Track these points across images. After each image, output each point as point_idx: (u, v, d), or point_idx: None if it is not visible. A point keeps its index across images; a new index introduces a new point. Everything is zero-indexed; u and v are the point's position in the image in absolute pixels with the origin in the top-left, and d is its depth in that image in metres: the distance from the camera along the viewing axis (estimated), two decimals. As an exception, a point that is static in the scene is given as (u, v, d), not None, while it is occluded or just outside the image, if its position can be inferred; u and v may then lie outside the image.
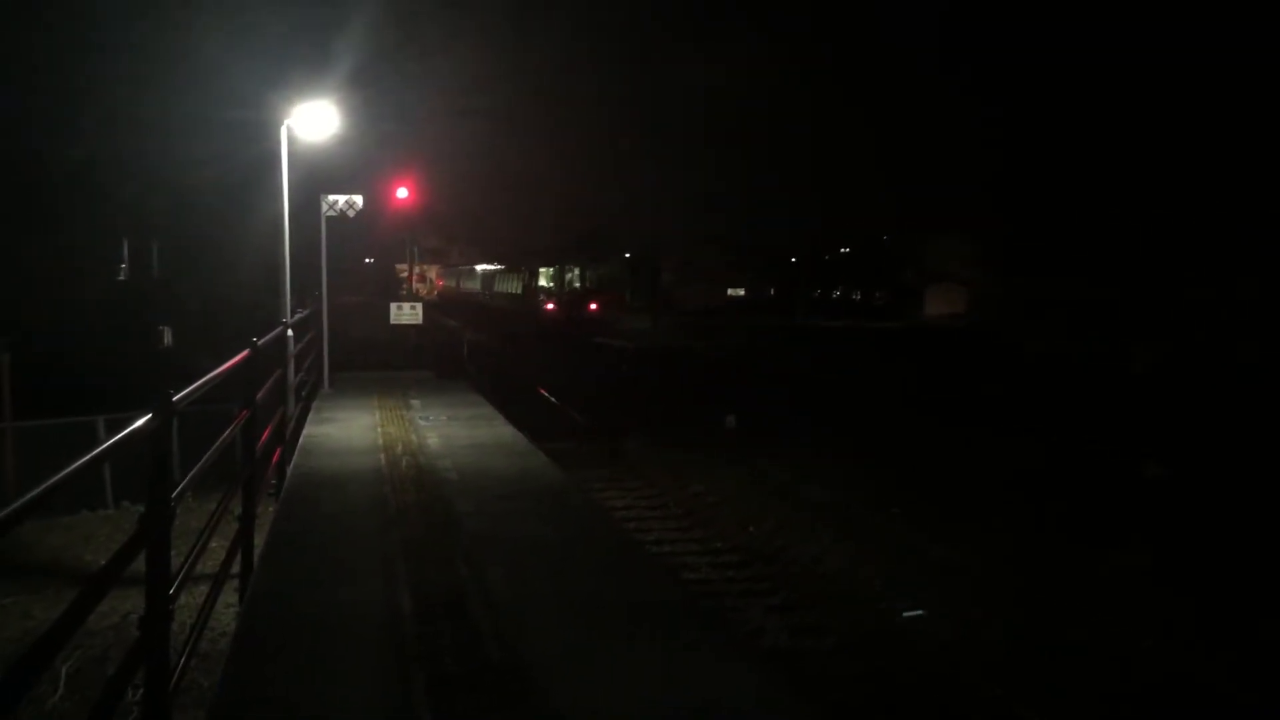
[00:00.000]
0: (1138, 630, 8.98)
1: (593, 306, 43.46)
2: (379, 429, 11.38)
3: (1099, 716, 7.52)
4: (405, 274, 53.18)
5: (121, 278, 28.75)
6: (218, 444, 4.94)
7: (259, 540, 6.46)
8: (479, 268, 65.62)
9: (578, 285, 45.73)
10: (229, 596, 6.78)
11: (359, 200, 15.56)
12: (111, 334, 21.95)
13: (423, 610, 5.04)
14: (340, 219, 15.55)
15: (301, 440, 10.64)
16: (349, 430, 11.32)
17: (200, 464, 4.48)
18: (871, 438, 18.85)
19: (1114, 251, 47.73)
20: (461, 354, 19.20)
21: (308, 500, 7.79)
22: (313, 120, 13.41)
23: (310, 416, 12.38)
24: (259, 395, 6.40)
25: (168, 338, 23.91)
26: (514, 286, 52.08)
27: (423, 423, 11.87)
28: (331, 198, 15.36)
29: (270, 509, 8.39)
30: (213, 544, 4.98)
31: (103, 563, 3.47)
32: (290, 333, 10.95)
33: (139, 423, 3.11)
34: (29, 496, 2.18)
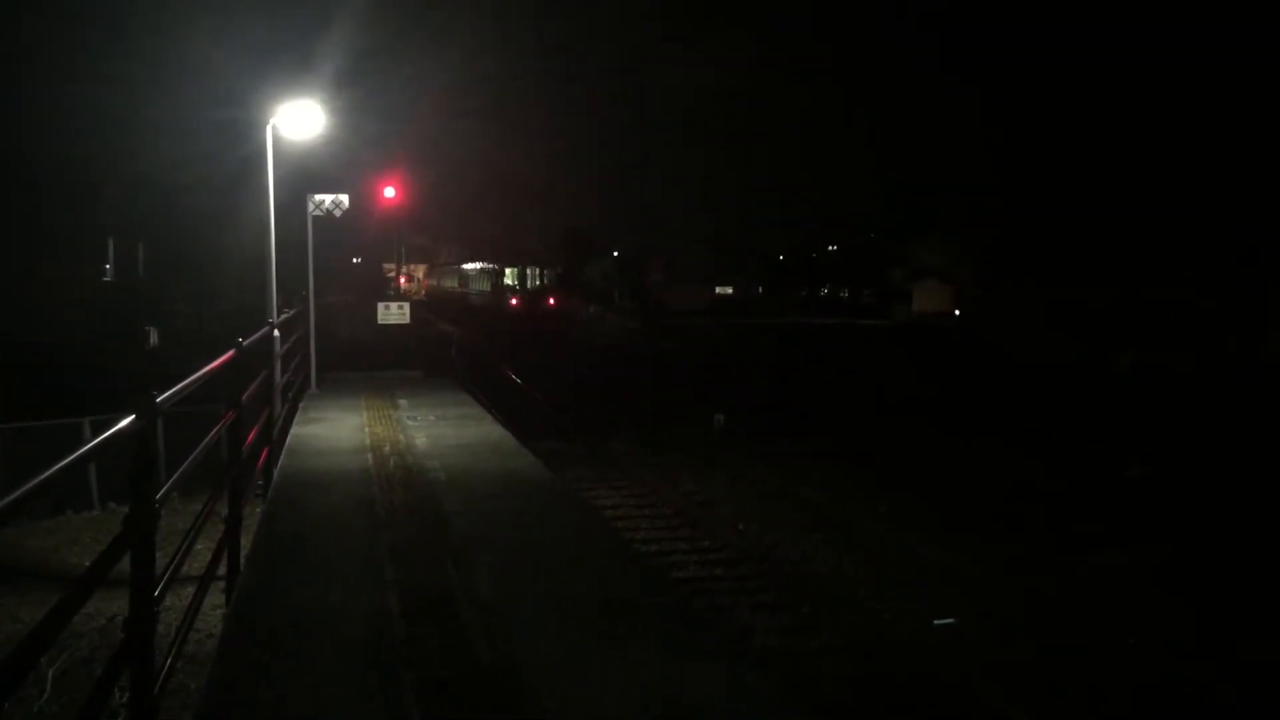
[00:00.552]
0: (1126, 630, 9.01)
1: (551, 301, 50.52)
2: (366, 429, 11.34)
3: (1091, 716, 7.55)
4: (393, 273, 54.12)
5: (107, 278, 28.59)
6: (203, 445, 4.91)
7: (245, 542, 6.43)
8: (466, 266, 69.85)
9: (539, 284, 53.62)
10: (215, 598, 6.75)
11: (345, 200, 15.50)
12: (97, 335, 21.83)
13: (411, 611, 5.02)
14: (327, 219, 15.49)
15: (289, 441, 10.59)
16: (336, 430, 11.28)
17: (186, 465, 4.46)
18: (861, 438, 18.90)
19: (1099, 255, 48.00)
20: (450, 353, 19.15)
21: (295, 501, 7.75)
22: (298, 120, 13.35)
23: (297, 417, 12.33)
24: (245, 396, 6.37)
25: (154, 338, 23.82)
26: (485, 285, 60.24)
27: (410, 423, 11.84)
28: (318, 197, 15.30)
29: (257, 510, 8.36)
30: (199, 545, 4.95)
31: (88, 564, 3.44)
32: (277, 333, 10.90)
33: (123, 423, 3.09)
34: (12, 498, 2.15)
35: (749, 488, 14.72)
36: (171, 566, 3.94)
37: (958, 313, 56.69)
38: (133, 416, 3.14)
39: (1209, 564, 10.90)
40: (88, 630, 8.33)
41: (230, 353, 5.85)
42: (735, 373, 27.87)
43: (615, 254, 77.95)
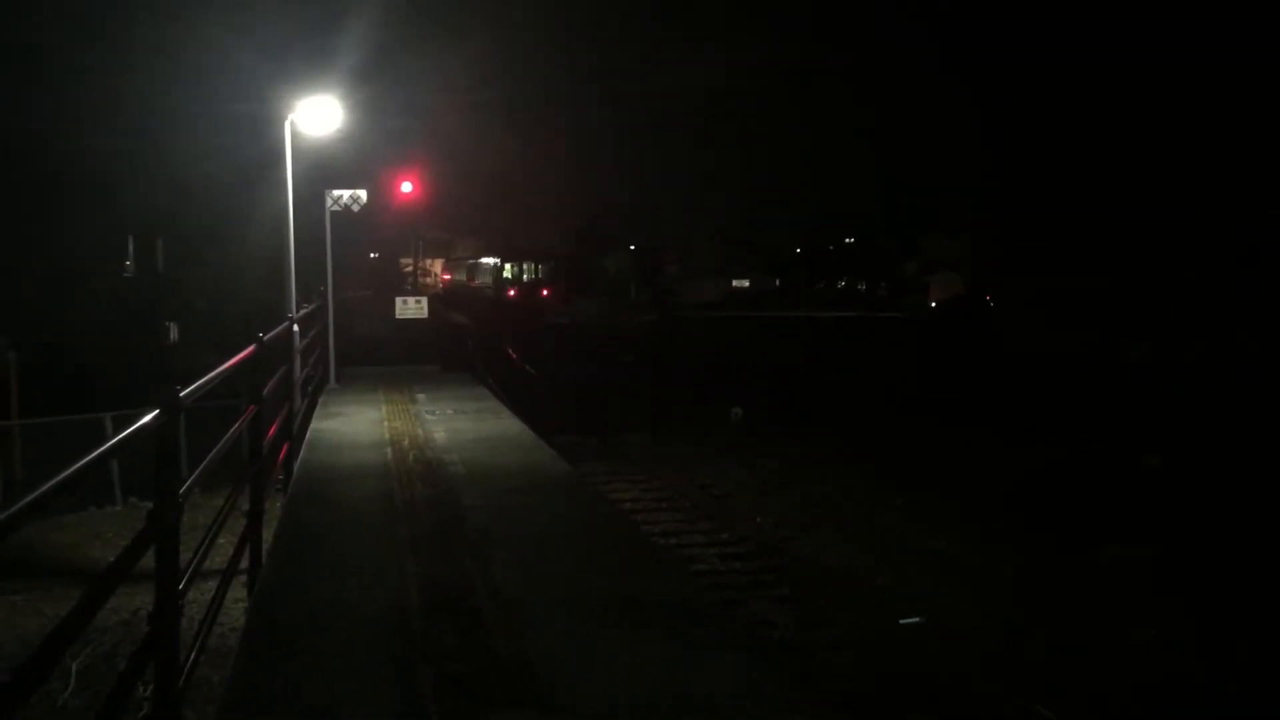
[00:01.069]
0: (1134, 624, 8.96)
1: (544, 293, 54.81)
2: (385, 423, 11.38)
3: (1103, 710, 7.51)
4: (409, 268, 55.17)
5: (127, 274, 28.76)
6: (225, 439, 4.94)
7: (267, 536, 6.47)
8: (470, 261, 74.70)
9: (535, 276, 59.45)
10: (237, 592, 6.80)
11: (363, 195, 15.54)
12: (117, 330, 21.96)
13: (430, 605, 5.04)
14: (345, 214, 15.54)
15: (308, 435, 10.64)
16: (355, 425, 11.33)
17: (208, 460, 4.48)
18: (877, 432, 18.85)
19: (1104, 247, 47.81)
20: (467, 346, 19.17)
21: (315, 495, 7.79)
22: (317, 115, 13.40)
23: (316, 411, 12.39)
24: (265, 391, 6.39)
25: (173, 333, 23.94)
26: (488, 278, 66.42)
27: (429, 417, 11.87)
28: (336, 192, 15.34)
29: (277, 504, 8.40)
30: (220, 540, 4.98)
31: (111, 559, 3.47)
32: (296, 328, 10.94)
33: (146, 419, 3.10)
34: (36, 495, 2.17)
35: (765, 480, 14.71)
36: (195, 561, 3.96)
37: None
38: (156, 412, 3.16)
39: (1223, 559, 10.82)
40: (110, 624, 8.40)
41: (251, 348, 5.88)
42: (753, 367, 27.81)
43: (631, 247, 78.02)
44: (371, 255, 54.24)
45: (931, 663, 8.07)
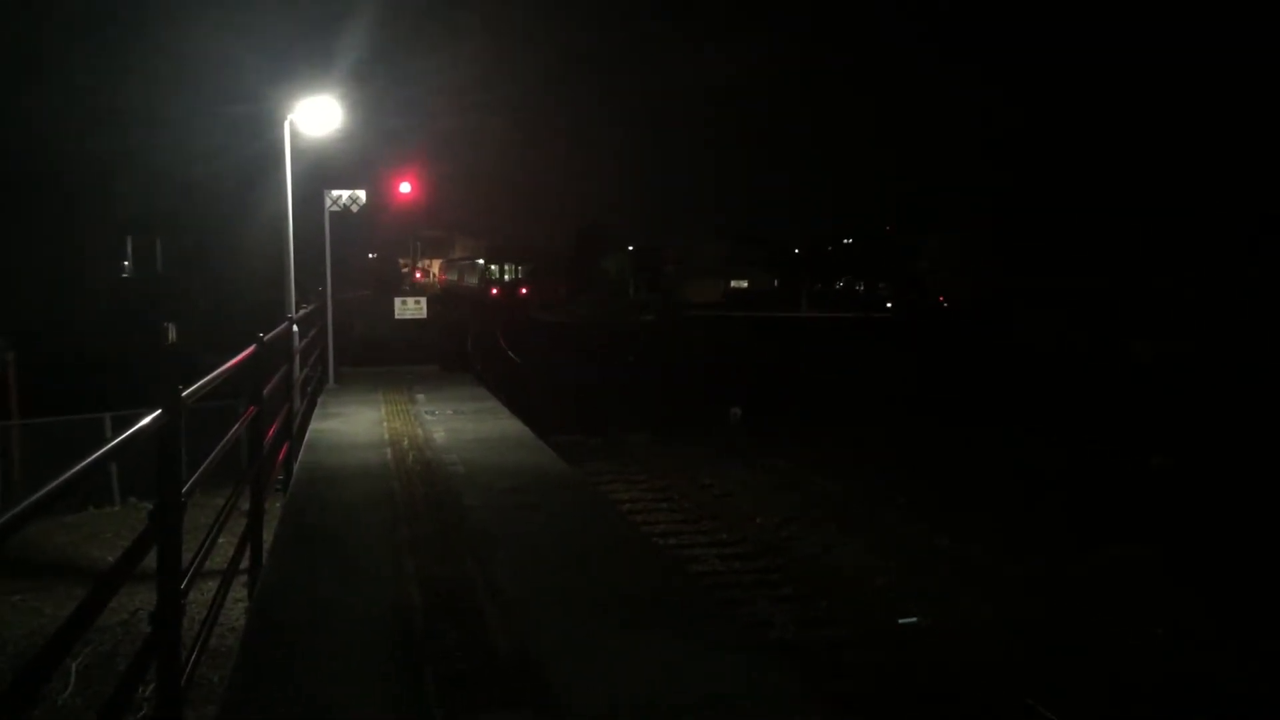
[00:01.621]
0: (1142, 622, 8.97)
1: (523, 291, 58.80)
2: (385, 424, 11.38)
3: (1107, 709, 7.51)
4: (408, 268, 56.41)
5: (125, 274, 28.74)
6: (225, 440, 4.93)
7: (267, 536, 6.46)
8: (462, 261, 78.93)
9: (516, 276, 64.29)
10: (238, 592, 6.79)
11: (362, 195, 15.53)
12: (116, 331, 21.94)
13: (432, 605, 5.03)
14: (344, 214, 15.54)
15: (308, 436, 10.64)
16: (355, 425, 11.33)
17: (209, 460, 4.48)
18: (878, 430, 18.85)
19: (1106, 248, 47.85)
20: (465, 347, 19.18)
21: (315, 495, 7.79)
22: (316, 115, 13.39)
23: (316, 412, 12.38)
24: (265, 391, 6.39)
25: (172, 334, 23.90)
26: (475, 278, 70.61)
27: (429, 417, 11.87)
28: (335, 193, 15.33)
29: (278, 505, 8.40)
30: (220, 540, 4.97)
31: (110, 559, 3.46)
32: (295, 328, 10.94)
33: (148, 419, 3.10)
34: (38, 496, 2.16)
35: (766, 479, 14.71)
36: (196, 561, 3.96)
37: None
38: (159, 412, 3.15)
39: (1226, 557, 10.83)
40: (110, 624, 8.40)
41: (251, 348, 5.87)
42: (752, 366, 27.81)
43: (630, 248, 78.19)
44: (370, 255, 54.38)
45: (934, 662, 8.07)
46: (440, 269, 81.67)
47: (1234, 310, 33.79)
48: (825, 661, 8.01)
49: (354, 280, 35.76)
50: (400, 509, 7.20)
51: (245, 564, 5.94)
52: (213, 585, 5.65)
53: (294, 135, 13.35)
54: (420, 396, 13.80)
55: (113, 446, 2.79)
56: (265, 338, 6.33)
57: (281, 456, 8.81)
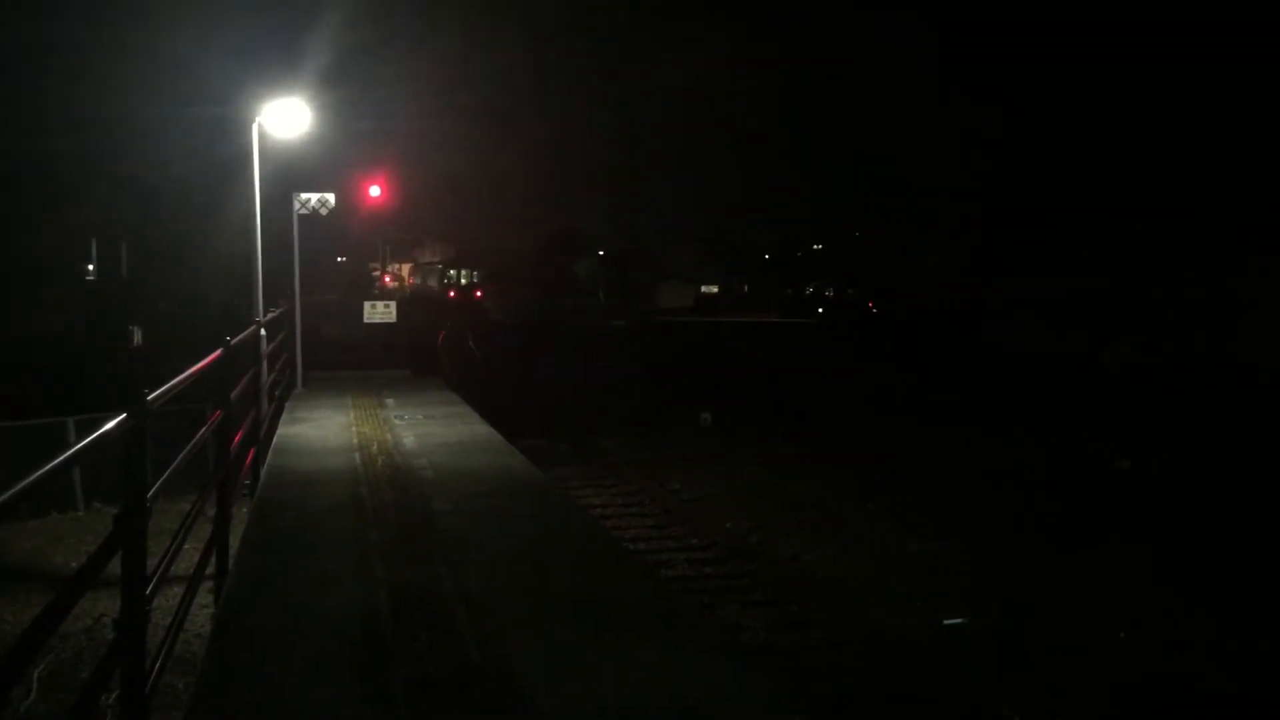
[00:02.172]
0: (1113, 624, 9.06)
1: (478, 294, 60.44)
2: (354, 428, 11.31)
3: (1084, 712, 7.59)
4: (377, 271, 56.34)
5: (90, 278, 28.42)
6: (191, 445, 4.89)
7: (234, 541, 6.41)
8: (425, 264, 79.99)
9: (472, 280, 67.39)
10: (204, 598, 6.72)
11: (331, 198, 15.44)
12: (80, 334, 21.69)
13: (401, 611, 5.01)
14: (312, 217, 15.44)
15: (276, 440, 10.55)
16: (324, 430, 11.25)
17: (174, 465, 4.44)
18: (849, 434, 18.94)
19: (1085, 251, 48.29)
20: (435, 351, 19.10)
21: (283, 501, 7.73)
22: (285, 118, 13.30)
23: (284, 416, 12.29)
24: (233, 395, 6.34)
25: (137, 338, 23.66)
26: (435, 281, 73.17)
27: (398, 421, 11.81)
28: (304, 196, 15.23)
29: (244, 510, 8.33)
30: (186, 545, 4.93)
31: (74, 565, 3.43)
32: (263, 332, 10.86)
33: (113, 423, 3.07)
34: (2, 499, 2.14)
35: (737, 484, 14.75)
36: (161, 567, 3.92)
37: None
38: (124, 415, 3.13)
39: (1198, 559, 10.96)
40: (74, 631, 8.30)
41: (218, 352, 5.83)
42: (721, 370, 27.86)
43: (600, 252, 78.28)
44: (339, 259, 54.18)
45: (912, 663, 8.12)
46: (409, 273, 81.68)
47: (1219, 317, 34.14)
48: (797, 666, 8.04)
49: (327, 282, 35.59)
50: (369, 514, 7.16)
51: (211, 569, 5.89)
52: (178, 591, 5.59)
53: (262, 138, 13.25)
54: (390, 401, 13.73)
55: (78, 450, 2.77)
56: (232, 341, 6.29)
57: (249, 461, 8.74)
